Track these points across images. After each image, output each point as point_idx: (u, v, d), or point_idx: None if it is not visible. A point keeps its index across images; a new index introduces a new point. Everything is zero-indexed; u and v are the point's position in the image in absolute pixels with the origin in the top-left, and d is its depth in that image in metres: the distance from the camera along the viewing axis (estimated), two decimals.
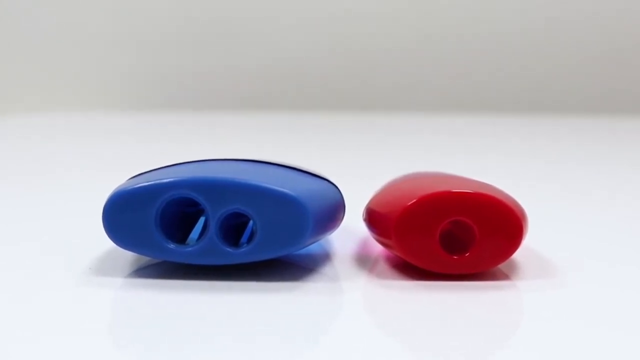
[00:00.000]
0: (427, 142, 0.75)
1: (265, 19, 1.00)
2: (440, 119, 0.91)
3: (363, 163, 0.60)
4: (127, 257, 0.29)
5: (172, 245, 0.26)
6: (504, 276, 0.28)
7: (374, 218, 0.29)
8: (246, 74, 1.01)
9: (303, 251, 0.29)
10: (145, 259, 0.29)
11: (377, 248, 0.31)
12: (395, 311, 0.25)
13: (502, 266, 0.28)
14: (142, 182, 0.26)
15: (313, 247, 0.31)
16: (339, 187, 0.31)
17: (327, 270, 0.29)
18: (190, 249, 0.26)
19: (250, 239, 0.26)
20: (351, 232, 0.33)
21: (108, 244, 0.27)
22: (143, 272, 0.28)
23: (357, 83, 1.01)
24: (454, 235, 0.28)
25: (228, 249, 0.26)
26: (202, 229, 0.27)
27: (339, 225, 0.30)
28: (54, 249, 0.31)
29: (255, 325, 0.23)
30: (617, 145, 0.73)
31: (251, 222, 0.27)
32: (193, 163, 0.30)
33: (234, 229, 0.27)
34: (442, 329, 0.23)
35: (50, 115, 0.92)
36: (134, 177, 0.29)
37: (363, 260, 0.30)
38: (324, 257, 0.30)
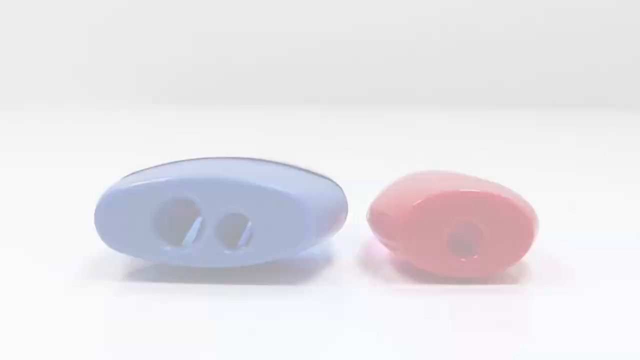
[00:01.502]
0: (433, 140, 0.75)
1: (266, 13, 1.00)
2: (447, 116, 0.91)
3: (367, 161, 0.60)
4: (121, 259, 0.29)
5: (167, 247, 0.26)
6: (513, 279, 0.28)
7: (379, 219, 0.28)
8: (246, 68, 1.00)
9: (304, 254, 0.29)
10: (139, 262, 0.28)
11: (382, 250, 0.30)
12: (400, 316, 0.25)
13: (511, 269, 0.28)
14: (137, 182, 0.26)
15: (314, 250, 0.30)
16: (341, 186, 0.30)
17: (329, 273, 0.28)
18: (186, 251, 0.26)
19: (248, 240, 0.26)
20: (354, 234, 0.32)
21: (101, 245, 0.26)
22: (137, 275, 0.27)
23: (359, 78, 1.01)
24: (461, 237, 0.27)
25: (226, 251, 0.26)
26: (199, 230, 0.26)
27: (341, 226, 0.29)
28: (46, 250, 0.31)
29: (254, 331, 0.23)
30: (622, 142, 0.73)
31: (250, 223, 0.26)
32: (189, 161, 0.30)
33: (232, 230, 0.27)
34: (450, 335, 0.23)
35: (47, 111, 0.91)
36: (127, 175, 0.28)
37: (367, 264, 0.30)
38: (325, 260, 0.30)
